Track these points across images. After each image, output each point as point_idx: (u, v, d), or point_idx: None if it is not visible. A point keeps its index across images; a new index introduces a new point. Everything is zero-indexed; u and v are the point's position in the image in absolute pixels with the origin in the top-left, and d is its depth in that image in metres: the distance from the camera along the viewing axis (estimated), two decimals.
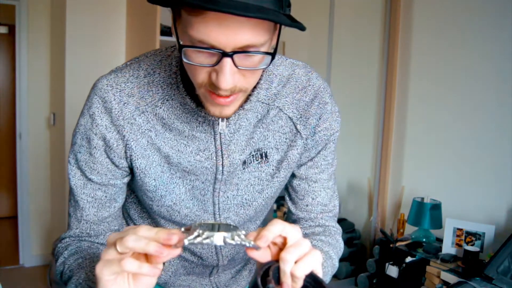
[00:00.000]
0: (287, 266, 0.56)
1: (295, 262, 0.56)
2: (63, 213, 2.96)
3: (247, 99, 0.73)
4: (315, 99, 0.80)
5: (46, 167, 3.28)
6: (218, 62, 0.58)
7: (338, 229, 0.90)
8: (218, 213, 0.82)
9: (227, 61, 0.57)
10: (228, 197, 0.81)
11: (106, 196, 0.78)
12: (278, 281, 0.58)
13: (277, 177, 0.82)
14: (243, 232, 0.56)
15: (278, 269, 0.58)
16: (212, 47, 0.57)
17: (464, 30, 2.07)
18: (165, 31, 2.46)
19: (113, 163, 0.76)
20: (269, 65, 0.63)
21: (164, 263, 0.89)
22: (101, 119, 0.73)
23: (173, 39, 2.92)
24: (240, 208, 0.83)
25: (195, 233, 0.53)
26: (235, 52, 0.57)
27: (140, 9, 2.66)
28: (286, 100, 0.79)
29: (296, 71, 0.81)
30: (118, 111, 0.73)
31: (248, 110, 0.75)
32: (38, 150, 3.24)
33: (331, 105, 0.82)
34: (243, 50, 0.57)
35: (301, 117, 0.80)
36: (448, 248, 1.94)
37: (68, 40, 2.78)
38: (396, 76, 2.39)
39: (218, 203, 0.81)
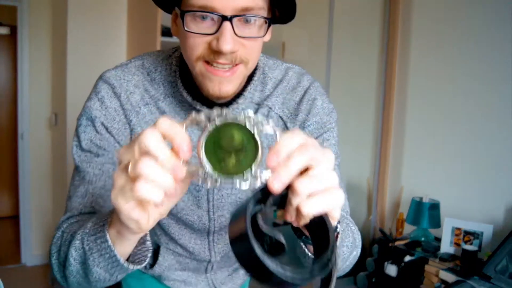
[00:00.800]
0: (295, 199, 0.45)
1: (308, 196, 0.45)
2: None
3: (241, 93, 0.75)
4: (304, 97, 0.82)
5: (48, 167, 3.30)
6: (218, 28, 0.62)
7: (354, 225, 0.81)
8: (212, 210, 0.84)
9: (227, 24, 0.61)
10: (222, 195, 0.83)
11: (114, 169, 0.76)
12: (279, 206, 0.47)
13: None
14: (259, 160, 0.45)
15: (282, 197, 0.46)
16: (211, 11, 0.61)
17: (464, 30, 2.08)
18: (166, 32, 2.48)
19: (119, 144, 0.77)
20: (265, 34, 0.67)
21: (159, 255, 0.90)
22: (110, 102, 0.76)
23: (174, 40, 2.92)
24: (234, 206, 0.85)
25: (201, 174, 0.45)
26: (234, 16, 0.61)
27: (141, 10, 2.67)
28: (277, 100, 0.81)
29: (289, 73, 0.83)
30: (126, 98, 0.76)
31: (243, 110, 0.77)
32: (39, 150, 3.26)
33: (321, 101, 0.83)
34: (242, 14, 0.62)
35: (291, 115, 0.82)
36: (446, 247, 1.95)
37: (70, 41, 2.80)
38: (395, 77, 2.40)
39: (213, 201, 0.83)
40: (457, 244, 1.93)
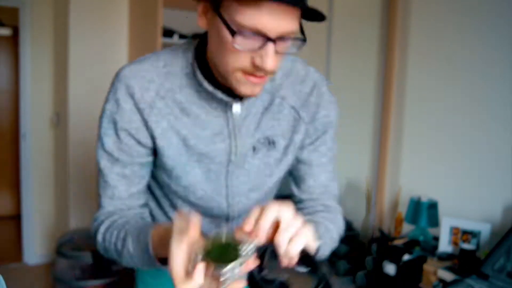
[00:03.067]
0: (282, 250, 0.61)
1: (289, 242, 0.61)
2: (66, 212, 3.00)
3: None
4: (313, 90, 0.89)
5: (50, 167, 3.32)
6: (263, 46, 0.66)
7: (338, 208, 0.97)
8: (231, 195, 0.89)
9: (271, 45, 0.66)
10: (240, 181, 0.88)
11: (133, 174, 0.84)
12: (275, 257, 0.63)
13: (284, 160, 0.90)
14: (244, 247, 0.59)
15: (273, 251, 0.63)
16: (258, 33, 0.65)
17: (463, 30, 2.10)
18: (166, 32, 2.50)
19: (139, 143, 0.82)
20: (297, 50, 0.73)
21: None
22: (125, 103, 0.79)
23: (174, 40, 2.91)
24: (251, 192, 0.91)
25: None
26: (277, 38, 0.66)
27: (142, 11, 2.69)
28: (288, 91, 0.87)
29: (296, 65, 0.90)
30: (140, 96, 0.80)
31: (257, 98, 0.84)
32: (41, 149, 3.28)
33: (328, 95, 0.91)
34: (283, 36, 0.67)
35: (302, 105, 0.88)
36: (444, 246, 1.96)
37: (71, 41, 2.82)
38: (394, 76, 2.42)
39: (231, 187, 0.88)
40: (455, 243, 1.95)
